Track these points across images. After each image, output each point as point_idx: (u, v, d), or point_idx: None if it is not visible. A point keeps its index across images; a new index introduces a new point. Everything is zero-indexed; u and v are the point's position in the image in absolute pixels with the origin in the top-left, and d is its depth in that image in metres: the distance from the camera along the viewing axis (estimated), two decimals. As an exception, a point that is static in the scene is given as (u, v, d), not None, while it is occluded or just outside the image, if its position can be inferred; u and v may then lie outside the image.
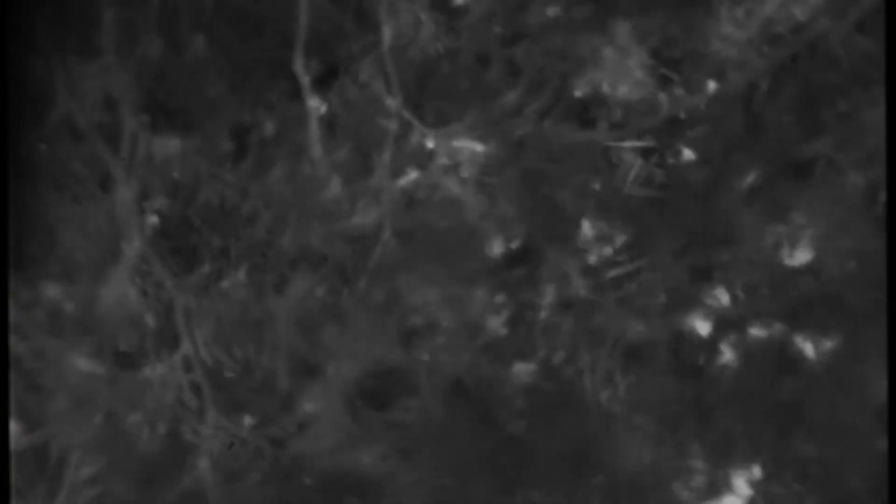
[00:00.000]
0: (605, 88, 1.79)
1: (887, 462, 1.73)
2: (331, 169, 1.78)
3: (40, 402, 1.80)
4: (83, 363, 1.71)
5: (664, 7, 1.63)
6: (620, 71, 1.69)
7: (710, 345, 1.83)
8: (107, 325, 1.67)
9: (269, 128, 1.79)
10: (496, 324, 1.89)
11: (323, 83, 1.82)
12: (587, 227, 1.85)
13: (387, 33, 1.82)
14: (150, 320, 1.69)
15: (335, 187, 1.82)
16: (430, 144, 1.90)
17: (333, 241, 1.87)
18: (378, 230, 1.88)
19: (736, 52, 1.74)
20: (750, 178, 1.79)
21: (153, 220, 1.67)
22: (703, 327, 1.87)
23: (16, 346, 1.67)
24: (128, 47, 1.63)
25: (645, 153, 1.88)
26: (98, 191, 1.63)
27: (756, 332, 1.83)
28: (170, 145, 1.72)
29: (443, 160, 1.88)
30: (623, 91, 1.77)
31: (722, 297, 1.85)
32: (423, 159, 1.89)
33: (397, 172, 1.88)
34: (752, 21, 1.71)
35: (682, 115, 1.85)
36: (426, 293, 1.87)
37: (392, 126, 1.85)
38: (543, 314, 1.88)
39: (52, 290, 1.64)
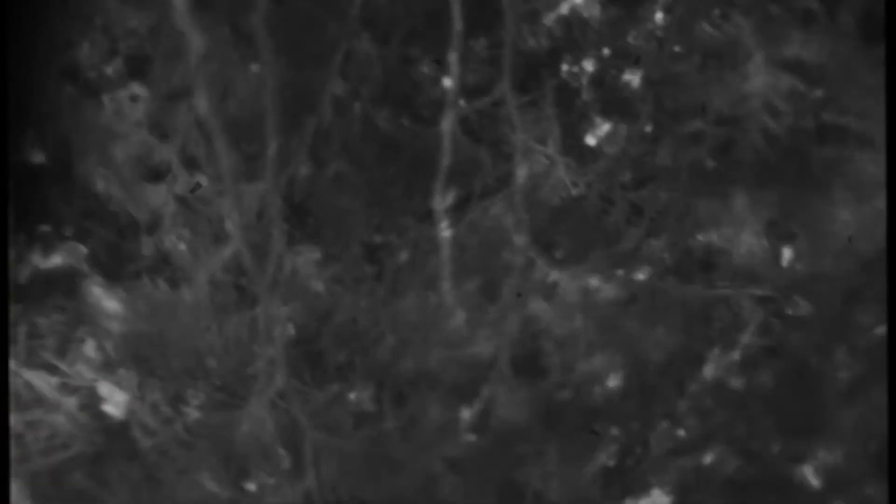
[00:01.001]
0: (723, 244, 1.86)
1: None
2: (457, 300, 1.85)
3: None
4: (209, 483, 1.76)
5: (782, 184, 1.69)
6: (736, 234, 1.76)
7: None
8: (239, 446, 1.72)
9: (404, 255, 1.88)
10: (604, 458, 1.93)
11: (456, 213, 1.91)
12: (709, 369, 1.90)
13: (520, 173, 1.91)
14: (280, 448, 1.74)
15: (459, 317, 1.88)
16: (553, 281, 1.97)
17: (451, 365, 1.94)
18: (494, 359, 1.94)
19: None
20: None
21: (290, 331, 1.74)
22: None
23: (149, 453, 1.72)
24: (281, 168, 1.72)
25: (763, 302, 1.94)
26: (241, 302, 1.71)
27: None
28: (310, 260, 1.80)
29: (564, 297, 1.95)
30: (740, 250, 1.84)
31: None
32: (546, 294, 1.96)
33: (518, 306, 1.95)
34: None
35: (800, 269, 1.92)
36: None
37: (518, 261, 1.93)
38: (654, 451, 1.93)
39: (195, 400, 1.70)
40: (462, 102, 1.82)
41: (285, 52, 1.65)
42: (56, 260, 1.90)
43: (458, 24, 1.60)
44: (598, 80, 1.97)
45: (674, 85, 1.61)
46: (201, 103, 1.56)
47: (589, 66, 1.97)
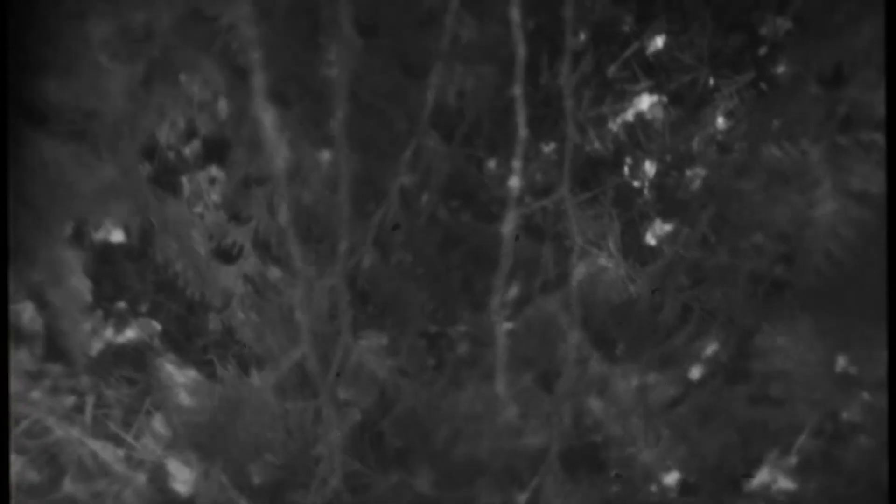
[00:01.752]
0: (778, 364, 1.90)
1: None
2: (511, 395, 1.89)
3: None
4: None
5: (844, 311, 1.72)
6: (795, 357, 1.80)
7: None
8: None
9: (463, 347, 1.93)
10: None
11: (514, 307, 1.96)
12: (765, 473, 1.92)
13: (576, 273, 1.96)
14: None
15: (511, 410, 1.93)
16: (605, 377, 2.01)
17: (502, 455, 1.98)
18: (545, 451, 1.98)
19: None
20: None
21: (355, 416, 1.79)
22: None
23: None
24: (349, 258, 1.78)
25: (817, 406, 1.97)
26: (306, 387, 1.76)
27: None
28: (373, 347, 1.85)
29: (615, 393, 1.99)
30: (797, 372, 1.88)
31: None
32: (598, 390, 2.00)
33: (571, 399, 1.99)
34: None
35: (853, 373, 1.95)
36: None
37: (571, 356, 1.97)
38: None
39: (258, 479, 1.75)
40: (526, 199, 1.88)
41: (359, 147, 1.72)
42: (129, 334, 1.97)
43: (522, 132, 1.66)
44: (659, 181, 2.02)
45: (738, 200, 1.66)
46: (276, 190, 1.63)
47: (651, 168, 2.03)
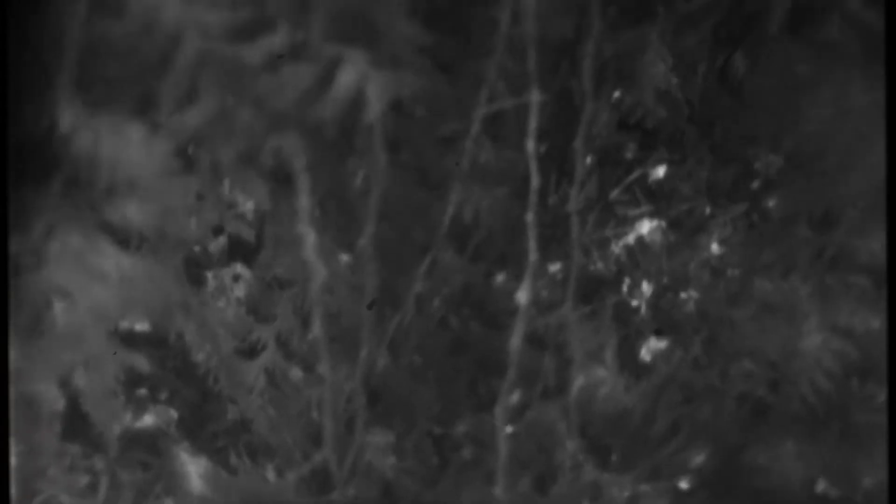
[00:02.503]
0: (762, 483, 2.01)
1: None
2: (509, 498, 1.98)
3: None
4: None
5: (826, 437, 1.83)
6: (777, 476, 1.90)
7: None
8: None
9: (467, 450, 2.03)
10: None
11: (516, 413, 2.06)
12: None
13: (575, 384, 2.07)
14: None
15: (511, 510, 2.02)
16: (598, 484, 2.10)
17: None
18: (540, 553, 2.06)
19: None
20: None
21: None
22: None
23: None
24: (366, 361, 1.89)
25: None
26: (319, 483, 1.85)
27: None
28: (381, 444, 1.95)
29: (608, 500, 2.09)
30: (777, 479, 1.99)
31: None
32: (591, 497, 2.09)
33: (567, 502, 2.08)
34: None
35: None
36: None
37: (567, 462, 2.07)
38: None
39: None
40: (531, 311, 1.99)
41: (381, 258, 1.84)
42: (147, 420, 2.06)
43: (532, 255, 1.79)
44: (655, 301, 2.15)
45: (730, 327, 1.78)
46: (307, 297, 1.74)
47: (648, 288, 2.15)
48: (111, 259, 1.12)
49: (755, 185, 2.16)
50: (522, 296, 1.97)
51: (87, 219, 1.12)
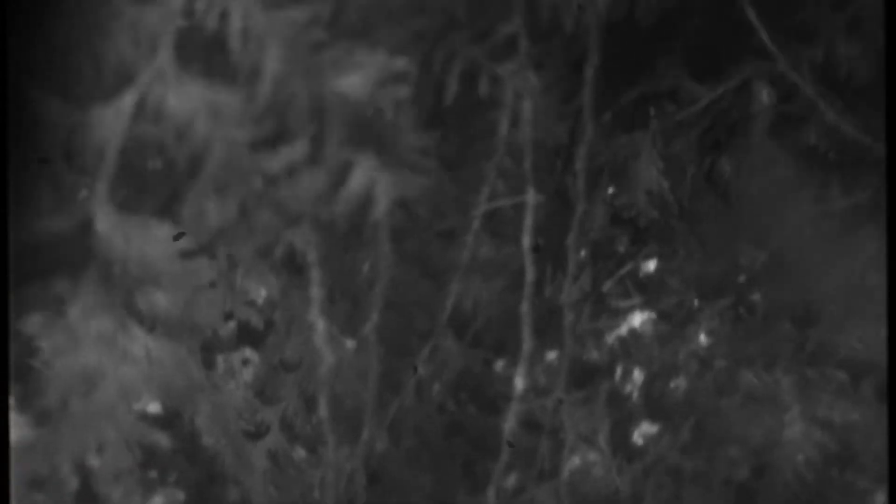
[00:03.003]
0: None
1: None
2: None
3: None
4: None
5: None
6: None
7: None
8: None
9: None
10: None
11: (510, 496, 2.13)
12: None
13: (568, 465, 2.14)
14: None
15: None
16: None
17: None
18: None
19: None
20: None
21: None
22: None
23: None
24: (366, 445, 1.96)
25: None
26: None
27: None
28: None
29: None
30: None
31: None
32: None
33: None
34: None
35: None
36: None
37: (558, 543, 2.14)
38: None
39: None
40: (527, 396, 2.08)
41: (385, 343, 1.93)
42: (156, 502, 2.12)
43: (527, 343, 1.88)
44: (646, 389, 2.23)
45: (716, 415, 1.87)
46: (315, 381, 1.82)
47: (639, 376, 2.24)
48: (139, 341, 1.21)
49: (741, 279, 2.26)
50: (518, 381, 2.05)
51: (118, 305, 1.21)
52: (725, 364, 2.01)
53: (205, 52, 1.17)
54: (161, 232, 1.20)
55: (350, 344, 1.96)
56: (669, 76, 1.82)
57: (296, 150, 1.20)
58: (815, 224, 1.95)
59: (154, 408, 2.15)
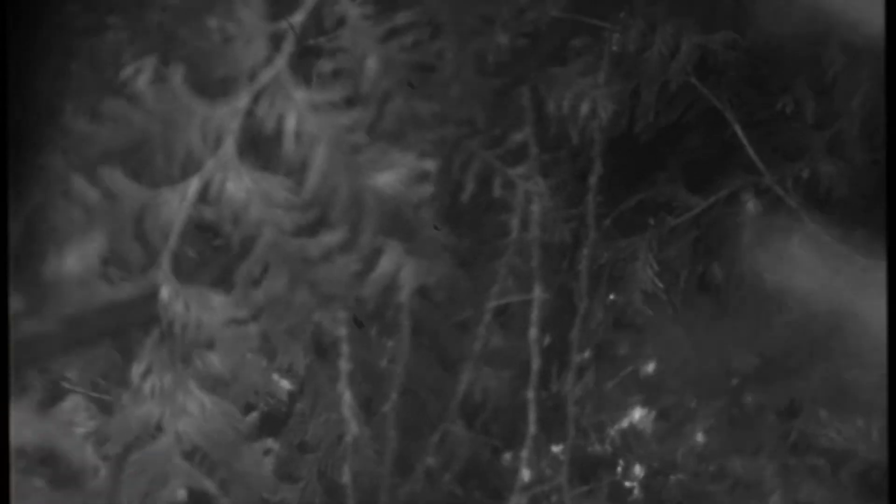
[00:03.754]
0: None
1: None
2: None
3: None
4: None
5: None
6: None
7: None
8: None
9: None
10: None
11: None
12: None
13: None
14: None
15: None
16: None
17: None
18: None
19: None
20: None
21: None
22: None
23: None
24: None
25: None
26: None
27: None
28: None
29: None
30: None
31: None
32: None
33: None
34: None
35: None
36: None
37: None
38: None
39: None
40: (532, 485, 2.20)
41: (400, 427, 2.07)
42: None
43: (532, 428, 2.01)
44: (647, 483, 2.35)
45: (707, 499, 1.99)
46: (338, 457, 1.95)
47: (640, 471, 2.36)
48: (195, 397, 1.36)
49: (734, 382, 2.40)
50: (524, 471, 2.18)
51: (177, 364, 1.37)
52: (718, 453, 2.14)
53: (262, 148, 1.35)
54: (215, 303, 1.36)
55: (368, 426, 2.10)
56: (666, 187, 2.01)
57: (335, 236, 1.37)
58: (801, 328, 2.10)
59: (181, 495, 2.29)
